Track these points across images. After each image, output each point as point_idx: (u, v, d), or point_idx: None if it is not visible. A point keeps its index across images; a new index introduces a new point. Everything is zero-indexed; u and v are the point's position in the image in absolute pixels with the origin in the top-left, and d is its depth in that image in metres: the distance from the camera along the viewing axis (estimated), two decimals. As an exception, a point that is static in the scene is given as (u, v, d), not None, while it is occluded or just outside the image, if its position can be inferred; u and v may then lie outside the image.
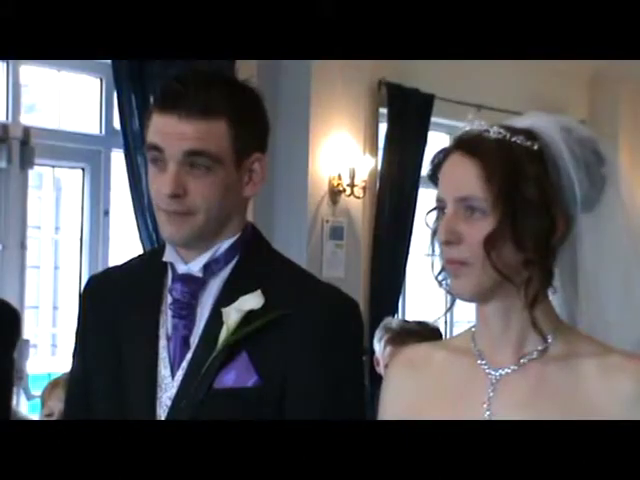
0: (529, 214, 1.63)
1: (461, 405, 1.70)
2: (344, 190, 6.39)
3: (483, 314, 1.72)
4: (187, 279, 1.96)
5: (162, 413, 1.92)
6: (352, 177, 6.39)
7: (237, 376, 1.89)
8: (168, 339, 1.96)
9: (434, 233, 1.72)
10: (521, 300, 1.67)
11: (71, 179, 5.86)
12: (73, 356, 2.11)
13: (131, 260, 2.15)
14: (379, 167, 6.79)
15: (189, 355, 1.94)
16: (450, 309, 1.82)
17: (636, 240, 1.72)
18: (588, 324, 1.71)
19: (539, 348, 1.68)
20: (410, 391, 1.77)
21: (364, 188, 6.47)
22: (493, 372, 1.70)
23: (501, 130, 1.66)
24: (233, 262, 1.98)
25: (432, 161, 1.74)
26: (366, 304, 6.60)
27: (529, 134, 1.67)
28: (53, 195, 5.97)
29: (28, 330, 5.36)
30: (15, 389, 5.18)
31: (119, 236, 5.89)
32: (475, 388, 1.70)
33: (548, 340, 1.67)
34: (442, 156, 1.71)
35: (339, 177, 6.38)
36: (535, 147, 1.65)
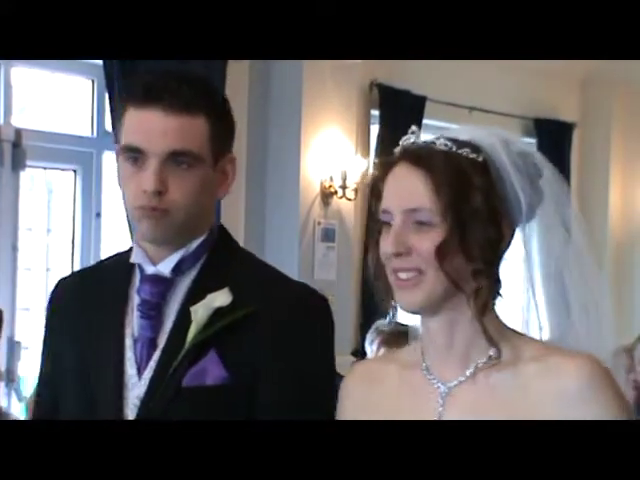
0: (477, 225, 1.65)
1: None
2: (336, 192, 6.39)
3: (427, 329, 1.73)
4: (156, 280, 1.96)
5: (130, 412, 1.91)
6: (344, 179, 6.39)
7: (206, 373, 1.88)
8: (134, 339, 1.95)
9: (376, 244, 1.71)
10: (468, 311, 1.67)
11: (63, 181, 5.85)
12: (40, 360, 2.10)
13: (100, 262, 2.15)
14: (371, 169, 6.79)
15: (157, 354, 1.93)
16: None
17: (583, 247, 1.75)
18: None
19: (484, 359, 1.69)
20: (364, 408, 1.77)
21: (356, 190, 6.46)
22: (442, 386, 1.71)
23: (447, 142, 1.69)
24: (201, 262, 1.97)
25: (374, 173, 1.75)
26: (358, 306, 6.60)
27: (473, 147, 1.69)
28: (45, 197, 5.96)
29: (20, 332, 5.36)
30: (7, 391, 5.18)
31: (111, 238, 5.88)
32: (426, 403, 1.71)
33: (496, 348, 1.68)
34: (387, 167, 1.72)
35: (331, 179, 6.38)
36: (480, 159, 1.68)
